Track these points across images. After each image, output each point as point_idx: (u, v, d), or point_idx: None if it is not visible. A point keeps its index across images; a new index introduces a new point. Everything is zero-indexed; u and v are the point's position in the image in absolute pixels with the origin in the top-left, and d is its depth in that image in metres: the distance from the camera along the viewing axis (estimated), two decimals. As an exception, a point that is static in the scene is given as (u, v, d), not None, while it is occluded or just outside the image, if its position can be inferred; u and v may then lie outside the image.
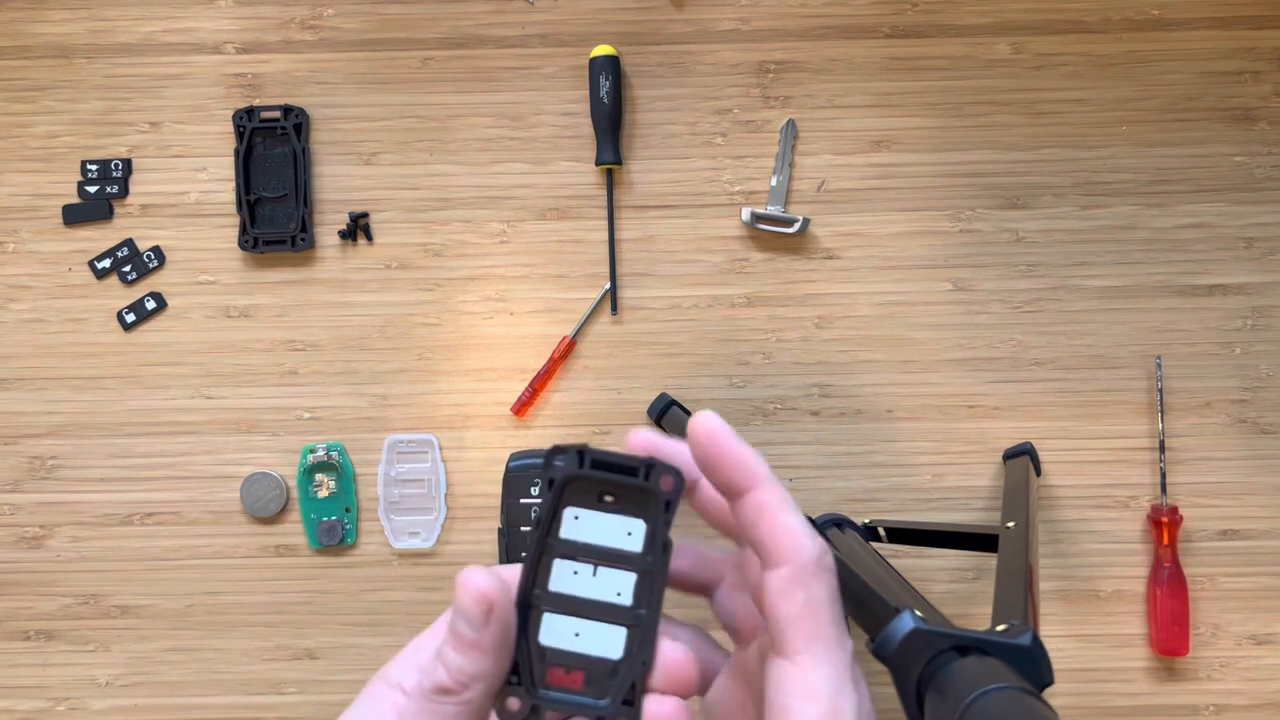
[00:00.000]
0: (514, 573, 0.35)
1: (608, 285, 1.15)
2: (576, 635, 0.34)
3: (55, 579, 1.16)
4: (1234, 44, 1.15)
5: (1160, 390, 1.13)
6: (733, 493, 0.34)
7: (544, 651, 0.34)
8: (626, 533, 0.35)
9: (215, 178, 1.16)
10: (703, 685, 0.40)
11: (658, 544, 0.34)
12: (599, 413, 1.15)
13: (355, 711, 0.35)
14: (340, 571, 1.16)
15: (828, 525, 1.08)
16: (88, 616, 1.15)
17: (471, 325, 1.16)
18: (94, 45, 1.16)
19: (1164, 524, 1.11)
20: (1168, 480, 1.13)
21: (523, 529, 1.01)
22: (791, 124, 1.15)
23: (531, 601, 0.34)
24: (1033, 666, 0.58)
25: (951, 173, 1.15)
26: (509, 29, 1.16)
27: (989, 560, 1.12)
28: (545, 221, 1.16)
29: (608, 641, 0.34)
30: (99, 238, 1.16)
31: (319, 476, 1.14)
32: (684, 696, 0.33)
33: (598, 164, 1.14)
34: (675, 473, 0.35)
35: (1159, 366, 1.13)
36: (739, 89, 1.16)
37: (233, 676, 1.15)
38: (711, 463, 0.34)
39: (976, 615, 1.14)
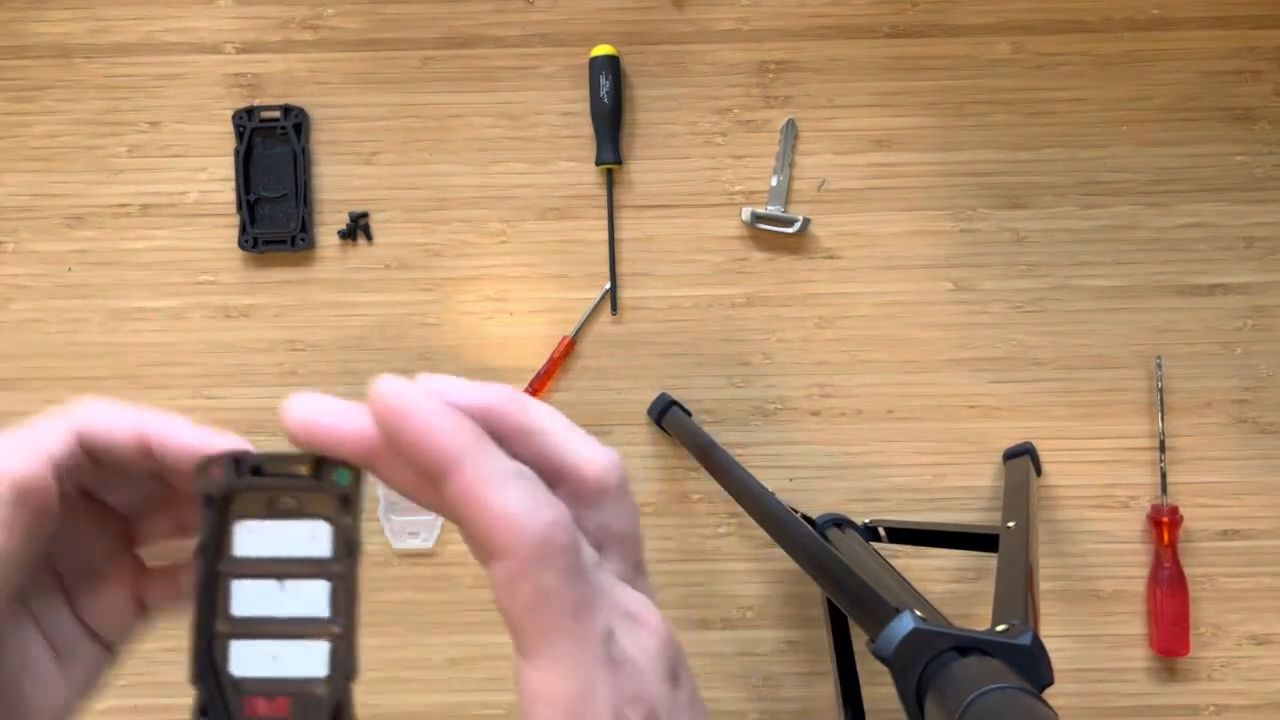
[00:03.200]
0: (106, 423, 0.32)
1: (608, 285, 1.15)
2: (274, 659, 0.30)
3: (55, 579, 1.15)
4: (1234, 44, 1.15)
5: (1160, 390, 1.13)
6: (429, 479, 0.28)
7: (239, 683, 0.30)
8: (310, 537, 0.31)
9: (215, 177, 1.16)
10: None
11: (344, 545, 0.31)
12: (599, 413, 1.15)
13: None
14: (340, 571, 1.15)
15: (828, 525, 1.08)
16: (87, 616, 1.15)
17: (471, 325, 1.16)
18: (94, 45, 1.16)
19: (1164, 524, 1.11)
20: (1168, 480, 1.13)
21: None
22: (792, 124, 1.15)
23: (214, 633, 0.30)
24: (1033, 666, 0.58)
25: (952, 172, 1.15)
26: (509, 28, 1.16)
27: (989, 560, 1.12)
28: (545, 221, 1.16)
29: (309, 660, 0.31)
30: (99, 238, 1.16)
31: (319, 476, 1.14)
32: None
33: (598, 164, 1.14)
34: (350, 466, 0.31)
35: (1159, 366, 1.13)
36: (739, 89, 1.16)
37: (233, 676, 1.15)
38: (396, 448, 0.28)
39: (977, 615, 1.13)
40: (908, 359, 1.15)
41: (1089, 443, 1.14)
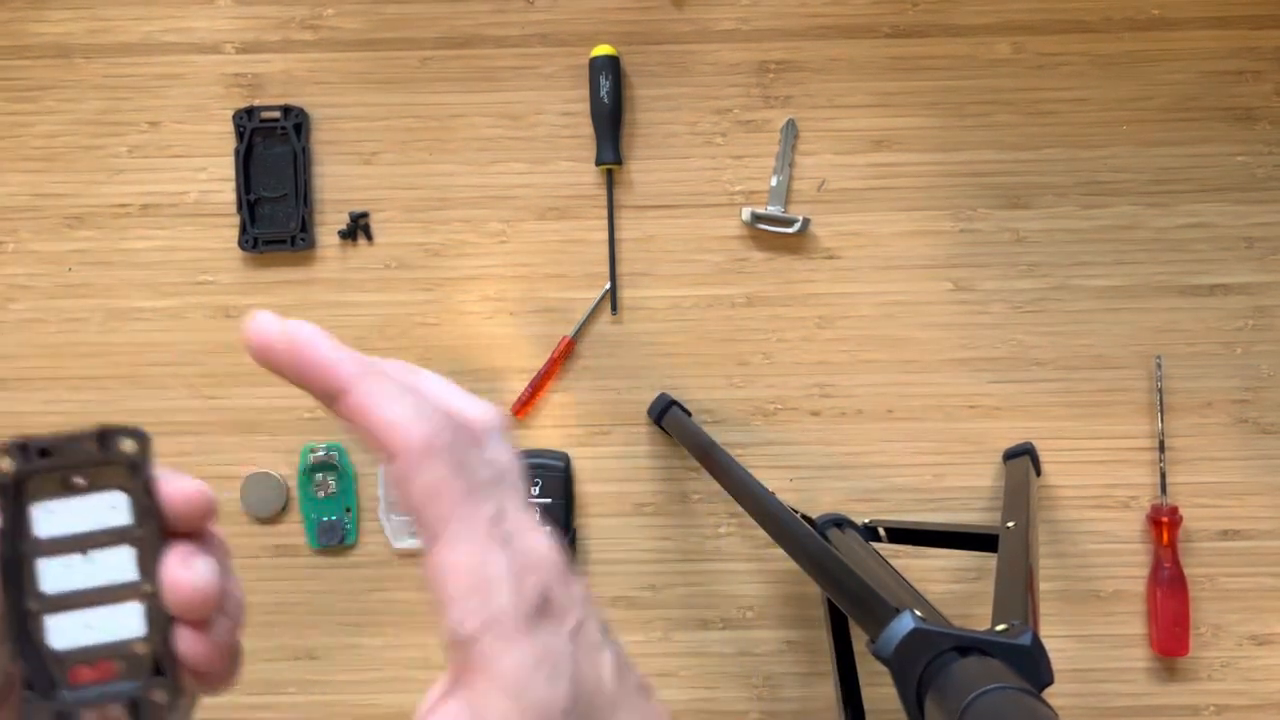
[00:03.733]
0: None
1: (608, 285, 1.15)
2: (89, 628, 0.32)
3: (55, 579, 1.15)
4: (1235, 44, 1.15)
5: (1160, 390, 1.13)
6: (328, 400, 0.32)
7: (59, 656, 0.32)
8: (110, 508, 0.32)
9: (215, 177, 1.16)
10: None
11: (142, 509, 0.32)
12: (599, 413, 1.15)
13: None
14: (340, 571, 1.16)
15: (828, 525, 1.08)
16: (87, 616, 1.15)
17: (472, 325, 1.15)
18: (94, 45, 1.16)
19: (1164, 524, 1.11)
20: (1168, 480, 1.13)
21: None
22: (792, 124, 1.15)
23: (26, 612, 0.32)
24: (1033, 667, 0.58)
25: (952, 172, 1.15)
26: (509, 28, 1.16)
27: (989, 560, 1.12)
28: (545, 221, 1.16)
29: (125, 622, 0.32)
30: (99, 238, 1.16)
31: (319, 477, 1.14)
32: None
33: (598, 164, 1.14)
34: (133, 432, 0.33)
35: (1159, 366, 1.13)
36: (739, 89, 1.16)
37: (232, 676, 1.15)
38: (295, 376, 0.32)
39: (977, 615, 1.13)
40: (908, 359, 1.15)
41: (1089, 443, 1.14)
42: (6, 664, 0.33)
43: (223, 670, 0.34)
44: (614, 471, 1.15)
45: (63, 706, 0.32)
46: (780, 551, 0.87)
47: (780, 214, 1.14)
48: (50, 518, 0.32)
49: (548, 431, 1.16)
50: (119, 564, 0.32)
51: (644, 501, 1.15)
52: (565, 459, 1.13)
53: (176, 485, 0.33)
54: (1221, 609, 1.13)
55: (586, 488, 1.15)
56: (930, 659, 0.59)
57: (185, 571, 0.32)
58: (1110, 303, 1.14)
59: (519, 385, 1.15)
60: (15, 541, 0.32)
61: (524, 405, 1.14)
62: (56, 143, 1.16)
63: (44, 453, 0.32)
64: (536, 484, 1.12)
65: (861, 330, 1.15)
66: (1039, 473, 1.13)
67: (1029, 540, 0.86)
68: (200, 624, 0.32)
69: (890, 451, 1.15)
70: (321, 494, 1.14)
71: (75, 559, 0.32)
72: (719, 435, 1.12)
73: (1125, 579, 1.14)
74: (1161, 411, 1.13)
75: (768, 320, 1.15)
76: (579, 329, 1.15)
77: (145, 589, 0.32)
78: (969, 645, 0.59)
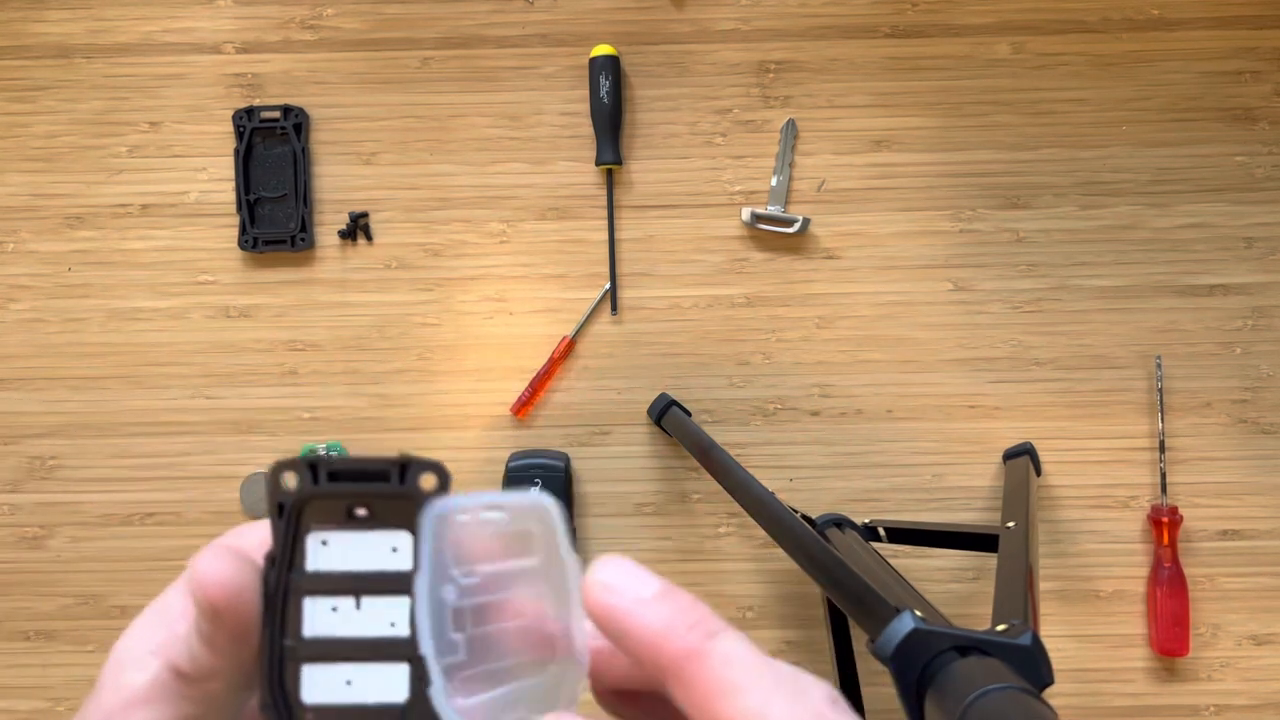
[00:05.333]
0: (265, 538, 0.29)
1: (608, 285, 1.15)
2: (348, 684, 0.28)
3: (55, 579, 1.15)
4: (1234, 44, 1.15)
5: (1160, 390, 1.13)
6: (657, 675, 0.26)
7: (310, 710, 0.27)
8: (391, 549, 0.28)
9: (215, 177, 1.16)
10: None
11: (427, 559, 0.28)
12: (599, 413, 1.15)
13: (126, 648, 0.30)
14: (340, 571, 1.15)
15: (828, 525, 1.08)
16: (87, 617, 1.15)
17: (471, 325, 1.15)
18: (94, 45, 1.16)
19: (1164, 524, 1.11)
20: (1168, 480, 1.13)
21: None
22: (791, 124, 1.15)
23: (284, 656, 0.28)
24: (1033, 666, 0.58)
25: (952, 173, 1.15)
26: (509, 28, 1.16)
27: (989, 560, 1.12)
28: (545, 221, 1.16)
29: (388, 684, 0.28)
30: (100, 238, 1.16)
31: (319, 476, 1.13)
32: None
33: (598, 164, 1.14)
34: (436, 467, 0.28)
35: (1159, 366, 1.13)
36: (739, 89, 1.16)
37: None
38: (617, 642, 0.26)
39: (977, 615, 1.13)
40: (907, 359, 1.15)
41: (1089, 443, 1.14)
42: (237, 712, 0.30)
43: None
44: (614, 472, 1.15)
45: None
46: (780, 551, 0.87)
47: (780, 214, 1.14)
48: (325, 550, 0.28)
49: (548, 431, 1.16)
50: (392, 615, 0.28)
51: (644, 502, 1.15)
52: (565, 459, 1.13)
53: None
54: (1221, 609, 1.13)
55: (586, 488, 1.15)
56: (930, 659, 0.58)
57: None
58: (1110, 303, 1.14)
59: (519, 385, 1.15)
60: (285, 573, 0.28)
61: (524, 405, 1.14)
62: (57, 143, 1.16)
63: (334, 476, 0.28)
64: (536, 484, 1.12)
65: (861, 330, 1.15)
66: (1039, 473, 1.13)
67: (1029, 540, 0.86)
68: None
69: (890, 451, 1.15)
70: (321, 494, 1.13)
71: (345, 602, 0.28)
72: (719, 435, 1.12)
73: (1125, 579, 1.14)
74: (1161, 411, 1.13)
75: (768, 320, 1.15)
76: (579, 329, 1.15)
77: (415, 650, 0.27)
78: (969, 645, 0.58)
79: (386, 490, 0.28)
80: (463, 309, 1.15)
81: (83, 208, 1.16)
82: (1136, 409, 1.14)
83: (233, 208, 1.15)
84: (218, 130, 1.16)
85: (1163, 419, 1.13)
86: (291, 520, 0.28)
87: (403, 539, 0.28)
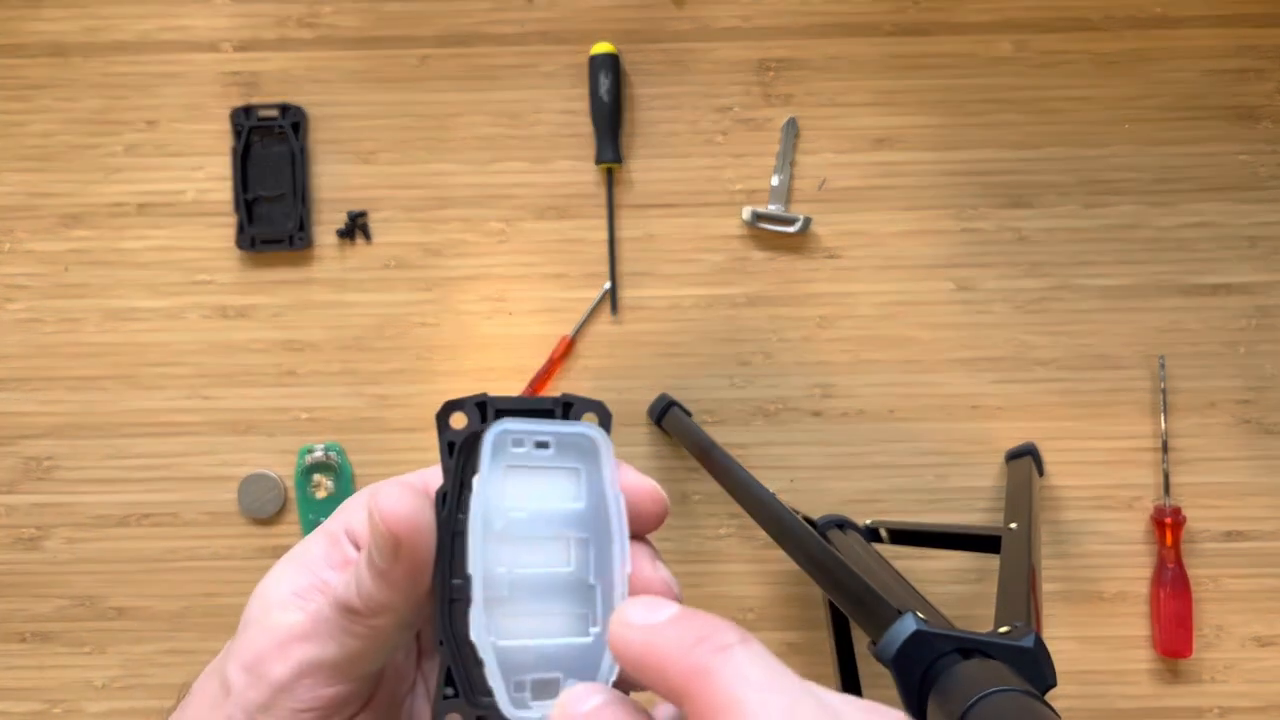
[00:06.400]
0: (438, 479, 0.29)
1: (608, 285, 1.14)
2: (533, 629, 0.28)
3: (51, 580, 1.15)
4: (1238, 42, 1.14)
5: (1164, 390, 1.13)
6: (674, 701, 0.24)
7: (500, 655, 0.27)
8: (560, 488, 0.29)
9: (212, 176, 1.15)
10: None
11: (599, 493, 0.28)
12: (599, 413, 1.14)
13: (274, 589, 0.31)
14: (338, 573, 1.15)
15: (829, 526, 1.07)
16: (84, 618, 1.15)
17: (471, 325, 1.15)
18: (90, 44, 1.16)
19: (1167, 525, 1.10)
20: (1171, 481, 1.12)
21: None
22: (793, 122, 1.14)
23: (454, 595, 0.28)
24: (1035, 668, 0.58)
25: (954, 171, 1.14)
26: (508, 26, 1.15)
27: (991, 561, 1.11)
28: (545, 220, 1.15)
29: (574, 626, 0.28)
30: (96, 237, 1.15)
31: (317, 477, 1.13)
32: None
33: (597, 162, 1.13)
34: (598, 406, 0.29)
35: (1162, 366, 1.13)
36: (740, 87, 1.15)
37: (230, 678, 1.15)
38: (638, 676, 0.25)
39: (979, 617, 1.13)
40: (909, 359, 1.14)
41: (1092, 443, 1.13)
42: (401, 656, 0.30)
43: None
44: (614, 472, 1.15)
45: (487, 713, 0.27)
46: (781, 553, 0.86)
47: (781, 213, 1.13)
48: (506, 490, 0.28)
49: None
50: (564, 555, 0.28)
51: (644, 502, 1.14)
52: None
53: (637, 478, 0.30)
54: (1225, 610, 1.13)
55: (586, 488, 1.15)
56: (932, 661, 0.58)
57: (657, 574, 0.28)
58: (1113, 302, 1.14)
59: (518, 385, 1.14)
60: (454, 513, 0.28)
61: (523, 405, 1.13)
62: (53, 142, 1.15)
63: (502, 415, 0.29)
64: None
65: (863, 330, 1.14)
66: (1041, 473, 1.12)
67: (1032, 541, 0.85)
68: None
69: (892, 452, 1.14)
70: (319, 494, 1.13)
71: (518, 543, 0.28)
72: (719, 436, 1.12)
73: (1128, 580, 1.13)
74: (1165, 411, 1.12)
75: (769, 320, 1.14)
76: (579, 329, 1.14)
77: (603, 590, 0.28)
78: (971, 647, 0.58)
79: (555, 431, 0.28)
80: (462, 309, 1.15)
81: (79, 207, 1.15)
82: (1140, 409, 1.14)
83: (230, 207, 1.15)
84: (215, 129, 1.15)
85: (1166, 419, 1.13)
86: (463, 460, 0.28)
87: (570, 478, 0.29)
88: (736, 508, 1.08)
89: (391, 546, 0.27)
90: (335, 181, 1.15)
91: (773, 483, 1.10)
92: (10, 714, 1.15)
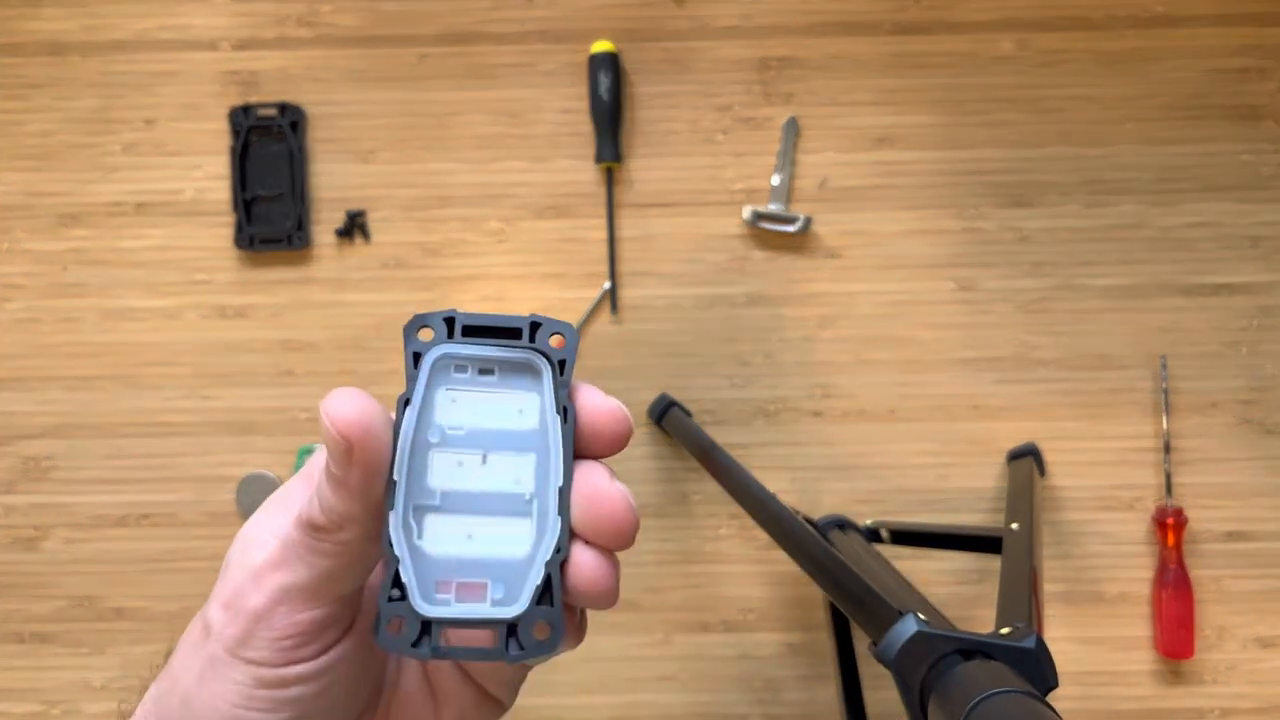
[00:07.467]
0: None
1: (608, 285, 1.14)
2: (469, 538, 0.29)
3: (49, 581, 1.15)
4: (1240, 41, 1.14)
5: (1166, 390, 1.12)
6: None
7: (431, 561, 0.28)
8: (517, 409, 0.29)
9: (211, 176, 1.15)
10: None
11: (556, 413, 0.29)
12: (598, 413, 1.14)
13: (253, 530, 0.31)
14: (337, 573, 1.15)
15: (830, 527, 1.07)
16: (82, 619, 1.14)
17: (470, 325, 1.15)
18: (88, 42, 1.15)
19: (1169, 525, 1.10)
20: (1173, 481, 1.12)
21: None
22: (793, 121, 1.14)
23: (409, 505, 0.29)
24: (1037, 670, 0.57)
25: (955, 170, 1.14)
26: (507, 25, 1.15)
27: (993, 562, 1.11)
28: (544, 220, 1.15)
29: (510, 538, 0.29)
30: (94, 237, 1.15)
31: (316, 477, 1.13)
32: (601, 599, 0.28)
33: (597, 162, 1.13)
34: (565, 327, 0.30)
35: (1164, 366, 1.12)
36: (740, 86, 1.15)
37: (228, 679, 1.14)
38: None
39: (980, 618, 1.13)
40: (910, 359, 1.14)
41: (1093, 443, 1.13)
42: (367, 570, 0.30)
43: (582, 623, 0.31)
44: (613, 472, 1.14)
45: (428, 618, 0.28)
46: (782, 554, 0.86)
47: (782, 213, 1.13)
48: (454, 406, 0.29)
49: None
50: (517, 471, 0.29)
51: (644, 503, 1.14)
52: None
53: (597, 399, 0.30)
54: (1227, 611, 1.12)
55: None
56: (933, 662, 0.58)
57: (613, 489, 0.29)
58: (1115, 302, 1.13)
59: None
60: (416, 425, 0.29)
61: (523, 405, 1.13)
62: (51, 141, 1.15)
63: (468, 331, 0.29)
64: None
65: (864, 330, 1.14)
66: (1043, 474, 1.12)
67: (1033, 542, 0.85)
68: (608, 554, 0.29)
69: (893, 452, 1.14)
70: (318, 495, 1.13)
71: (471, 457, 0.29)
72: (720, 436, 1.11)
73: (1130, 581, 1.13)
74: (1167, 412, 1.12)
75: (769, 320, 1.14)
76: (579, 329, 1.14)
77: (541, 506, 0.29)
78: (973, 648, 0.58)
79: (517, 351, 0.29)
80: (461, 308, 1.14)
81: (77, 206, 1.15)
82: (1141, 409, 1.13)
83: (229, 206, 1.14)
84: (213, 128, 1.15)
85: (1168, 419, 1.12)
86: (427, 371, 0.29)
87: (530, 399, 0.29)
88: (736, 508, 1.08)
89: (343, 450, 0.27)
90: (334, 181, 1.15)
91: (773, 483, 1.09)
92: (9, 714, 1.14)
